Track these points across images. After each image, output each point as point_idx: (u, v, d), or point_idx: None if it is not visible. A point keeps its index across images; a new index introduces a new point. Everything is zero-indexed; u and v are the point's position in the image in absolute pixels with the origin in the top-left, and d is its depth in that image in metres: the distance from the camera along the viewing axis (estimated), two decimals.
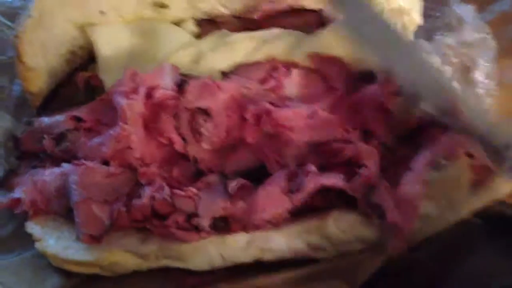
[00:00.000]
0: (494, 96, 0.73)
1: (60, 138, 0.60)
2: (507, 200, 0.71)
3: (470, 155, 0.64)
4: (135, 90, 0.57)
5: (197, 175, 0.59)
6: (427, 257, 0.68)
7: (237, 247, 0.56)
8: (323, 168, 0.58)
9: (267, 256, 0.56)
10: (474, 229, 0.71)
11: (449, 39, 0.73)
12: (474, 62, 0.72)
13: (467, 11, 0.76)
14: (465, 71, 0.73)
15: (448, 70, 0.71)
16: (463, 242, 0.71)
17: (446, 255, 0.69)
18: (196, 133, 0.60)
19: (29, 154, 0.64)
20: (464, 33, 0.74)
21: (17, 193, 0.58)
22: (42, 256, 0.56)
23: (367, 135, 0.60)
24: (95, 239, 0.54)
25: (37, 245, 0.56)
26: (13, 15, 0.72)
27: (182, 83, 0.60)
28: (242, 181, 0.56)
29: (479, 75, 0.72)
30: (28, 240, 0.57)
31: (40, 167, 0.62)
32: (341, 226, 0.56)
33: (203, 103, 0.59)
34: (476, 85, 0.72)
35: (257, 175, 0.58)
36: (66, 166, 0.57)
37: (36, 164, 0.63)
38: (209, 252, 0.55)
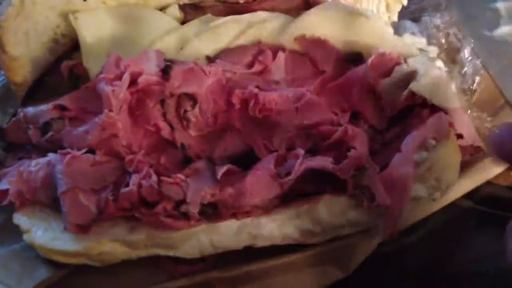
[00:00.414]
0: (481, 74, 0.73)
1: (45, 127, 0.59)
2: (497, 181, 0.72)
3: (459, 136, 0.64)
4: (119, 77, 0.56)
5: (185, 162, 0.59)
6: (419, 242, 0.68)
7: (228, 234, 0.55)
8: (312, 152, 0.58)
9: (259, 243, 0.56)
10: (464, 212, 0.72)
11: (436, 20, 0.73)
12: (461, 42, 0.72)
13: None
14: (453, 51, 0.73)
15: (434, 50, 0.71)
16: (454, 226, 0.72)
17: (438, 240, 0.69)
18: (183, 119, 0.59)
19: (15, 146, 0.63)
20: (452, 17, 0.74)
21: (3, 185, 0.57)
22: (30, 248, 0.55)
23: (355, 118, 0.60)
24: (82, 229, 0.53)
25: (25, 236, 0.55)
26: None
27: (166, 68, 0.59)
28: (230, 166, 0.55)
29: (465, 53, 0.72)
30: (17, 232, 0.57)
31: (26, 159, 0.61)
32: (332, 210, 0.56)
33: (188, 89, 0.58)
34: (464, 65, 0.72)
35: (246, 161, 0.58)
36: (51, 156, 0.56)
37: (22, 155, 0.62)
38: (200, 239, 0.55)
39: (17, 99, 0.66)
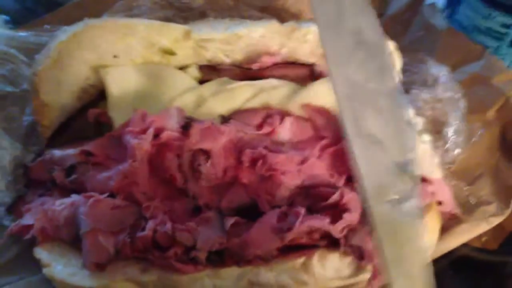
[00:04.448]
0: (461, 151, 0.81)
1: (70, 170, 0.65)
2: (471, 243, 0.79)
3: (440, 203, 0.72)
4: (144, 131, 0.62)
5: (196, 210, 0.65)
6: None
7: (230, 279, 0.61)
8: (310, 209, 0.64)
9: None
10: (441, 269, 0.79)
11: (425, 94, 0.82)
12: (446, 118, 0.81)
13: (442, 71, 0.85)
14: (438, 124, 0.81)
15: (421, 122, 0.79)
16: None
17: None
18: (196, 171, 0.65)
19: (36, 183, 0.68)
20: (438, 90, 0.83)
21: (27, 220, 0.62)
22: (48, 281, 0.60)
23: (350, 180, 0.67)
24: (99, 267, 0.58)
25: (45, 270, 0.59)
26: (27, 50, 0.77)
27: (186, 125, 0.65)
28: (237, 218, 0.62)
29: (449, 131, 0.80)
30: (32, 265, 0.61)
31: (47, 196, 0.66)
32: (325, 264, 0.62)
33: (205, 145, 0.64)
34: (447, 141, 0.80)
35: (250, 212, 0.64)
36: (75, 197, 0.62)
37: (43, 192, 0.67)
38: (204, 283, 0.60)
39: (42, 139, 0.71)
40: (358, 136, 0.46)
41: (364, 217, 0.64)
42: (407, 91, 0.85)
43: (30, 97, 0.68)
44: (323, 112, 0.71)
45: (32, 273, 0.62)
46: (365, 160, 0.46)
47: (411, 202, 0.47)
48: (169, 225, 0.59)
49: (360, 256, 0.62)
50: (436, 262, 0.76)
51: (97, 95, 0.72)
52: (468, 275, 0.79)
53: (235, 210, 0.64)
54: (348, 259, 0.62)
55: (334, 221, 0.61)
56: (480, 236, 0.79)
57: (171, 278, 0.59)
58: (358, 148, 0.47)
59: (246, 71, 0.75)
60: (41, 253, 0.61)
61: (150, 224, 0.59)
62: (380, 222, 0.46)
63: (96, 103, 0.72)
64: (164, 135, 0.63)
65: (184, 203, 0.65)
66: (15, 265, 0.65)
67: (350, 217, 0.62)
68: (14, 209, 0.66)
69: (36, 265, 0.60)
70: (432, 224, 0.69)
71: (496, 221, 0.77)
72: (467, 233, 0.76)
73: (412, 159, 0.47)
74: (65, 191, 0.64)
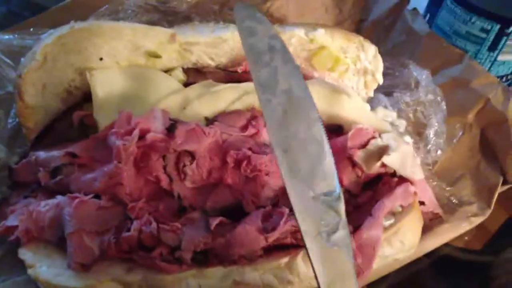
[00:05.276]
0: (443, 153, 0.83)
1: (55, 171, 0.65)
2: (453, 243, 0.80)
3: (422, 203, 0.73)
4: (129, 132, 0.63)
5: (181, 211, 0.65)
6: None
7: (215, 279, 0.61)
8: None
9: None
10: (423, 268, 0.80)
11: (406, 97, 0.84)
12: (427, 120, 0.83)
13: (423, 74, 0.87)
14: (419, 126, 0.83)
15: (403, 123, 0.81)
16: (414, 280, 0.80)
17: None
18: (181, 172, 0.65)
19: (21, 184, 0.68)
20: (420, 93, 0.84)
21: (11, 221, 0.62)
22: (32, 282, 0.60)
23: None
24: (84, 267, 0.58)
25: (29, 271, 0.59)
26: (11, 52, 0.77)
27: (171, 127, 0.66)
28: (222, 218, 0.62)
29: (431, 133, 0.82)
30: (17, 266, 0.61)
31: (31, 197, 0.66)
32: (309, 264, 0.62)
33: (189, 146, 0.65)
34: (428, 142, 0.82)
35: (234, 212, 0.65)
36: (60, 198, 0.62)
37: (27, 194, 0.67)
38: (189, 283, 0.60)
39: (27, 141, 0.71)
40: (292, 178, 0.55)
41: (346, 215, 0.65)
42: (389, 94, 0.87)
43: (15, 99, 0.68)
44: None
45: (17, 275, 0.62)
46: (297, 199, 0.54)
47: (340, 233, 0.54)
48: (154, 226, 0.60)
49: None
50: (418, 261, 0.77)
51: (82, 97, 0.72)
52: (451, 275, 0.80)
53: (220, 211, 0.65)
54: None
55: None
56: (462, 236, 0.81)
57: (156, 278, 0.60)
58: (292, 190, 0.55)
59: (231, 74, 0.76)
60: (26, 254, 0.61)
61: (135, 225, 0.60)
62: (315, 251, 0.53)
63: (81, 105, 0.72)
64: (149, 137, 0.64)
65: (169, 203, 0.65)
66: (1, 267, 0.64)
67: None
68: None
69: (21, 266, 0.60)
70: (414, 224, 0.70)
71: (477, 221, 0.78)
72: (449, 233, 0.78)
73: (339, 196, 0.55)
74: (50, 193, 0.64)
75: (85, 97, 0.72)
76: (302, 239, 0.54)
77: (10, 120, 0.74)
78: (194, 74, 0.76)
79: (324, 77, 0.79)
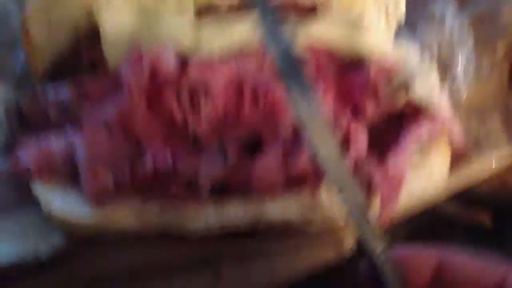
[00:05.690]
0: (469, 89, 0.78)
1: (65, 108, 0.62)
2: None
3: (449, 140, 0.70)
4: (140, 68, 0.60)
5: (196, 147, 0.62)
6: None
7: (234, 214, 0.59)
8: None
9: (262, 224, 0.60)
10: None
11: (431, 31, 0.79)
12: (454, 56, 0.78)
13: (448, 9, 0.82)
14: (445, 62, 0.79)
15: (427, 58, 0.76)
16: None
17: None
18: (196, 107, 0.63)
19: (31, 123, 0.66)
20: (445, 28, 0.80)
21: (23, 159, 0.60)
22: (46, 219, 0.58)
23: (355, 113, 0.64)
24: (99, 202, 0.57)
25: (43, 206, 0.58)
26: None
27: (183, 62, 0.63)
28: (241, 151, 0.59)
29: (458, 69, 0.78)
30: (28, 202, 0.59)
31: (42, 135, 0.64)
32: (332, 199, 0.60)
33: (203, 81, 0.62)
34: (454, 78, 0.78)
35: (252, 147, 0.62)
36: (71, 133, 0.60)
37: (38, 132, 0.65)
38: (208, 218, 0.58)
39: (35, 80, 0.69)
40: None
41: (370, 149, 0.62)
42: (413, 28, 0.83)
43: (20, 38, 0.66)
44: (324, 52, 0.69)
45: (28, 212, 0.60)
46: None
47: None
48: (169, 159, 0.57)
49: (368, 187, 0.60)
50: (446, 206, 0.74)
51: (90, 35, 0.70)
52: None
53: (238, 145, 0.62)
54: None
55: None
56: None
57: (173, 213, 0.58)
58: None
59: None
60: (38, 189, 0.59)
61: (150, 158, 0.57)
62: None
63: (90, 43, 0.69)
64: (162, 72, 0.61)
65: (184, 139, 0.62)
66: (9, 203, 0.63)
67: (357, 148, 0.60)
68: (9, 150, 0.64)
69: (33, 204, 0.59)
70: (441, 158, 0.67)
71: (508, 159, 0.75)
72: (477, 172, 0.74)
73: None
74: (61, 129, 0.62)
75: (94, 35, 0.69)
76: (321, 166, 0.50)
77: (19, 59, 0.71)
78: (207, 12, 0.73)
79: (343, 10, 0.75)
